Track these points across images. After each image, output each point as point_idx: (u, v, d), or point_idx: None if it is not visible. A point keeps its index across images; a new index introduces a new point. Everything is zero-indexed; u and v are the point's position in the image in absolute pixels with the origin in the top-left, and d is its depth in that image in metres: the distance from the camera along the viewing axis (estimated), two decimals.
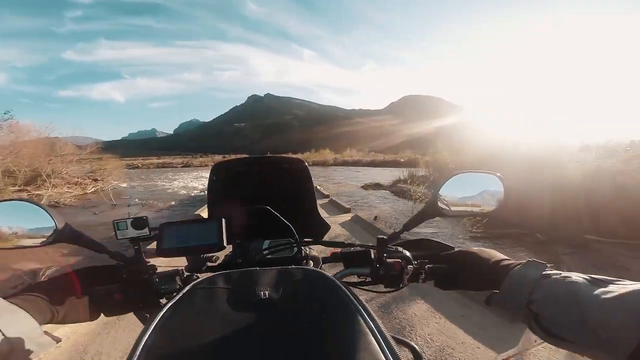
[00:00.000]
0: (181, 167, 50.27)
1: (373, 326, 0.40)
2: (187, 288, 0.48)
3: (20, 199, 0.63)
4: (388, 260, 0.66)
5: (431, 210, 0.66)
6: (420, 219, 0.68)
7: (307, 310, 0.44)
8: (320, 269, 0.77)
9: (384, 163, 33.36)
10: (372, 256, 0.70)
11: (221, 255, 0.81)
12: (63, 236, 0.62)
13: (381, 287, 0.70)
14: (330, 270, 0.58)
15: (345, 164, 38.12)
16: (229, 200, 1.05)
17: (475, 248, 0.62)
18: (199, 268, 0.77)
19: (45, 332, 0.50)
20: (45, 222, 0.61)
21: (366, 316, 0.42)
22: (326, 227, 1.11)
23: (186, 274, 0.71)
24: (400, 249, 0.68)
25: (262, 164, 1.18)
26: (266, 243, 0.91)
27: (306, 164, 1.10)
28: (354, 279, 0.73)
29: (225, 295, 0.47)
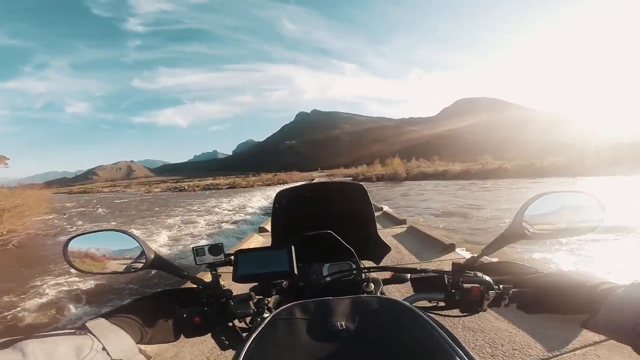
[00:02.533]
0: (227, 188, 53.57)
1: (464, 355, 0.38)
2: (268, 319, 0.49)
3: (118, 230, 0.69)
4: (465, 285, 0.64)
5: (514, 233, 0.63)
6: (502, 243, 0.65)
7: (386, 340, 0.43)
8: (380, 291, 0.85)
9: (481, 174, 26.77)
10: (446, 281, 0.69)
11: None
12: (153, 263, 0.68)
13: (456, 312, 0.68)
14: (392, 292, 0.53)
15: (421, 177, 31.68)
16: (292, 226, 1.08)
17: (568, 270, 0.60)
18: (269, 292, 0.79)
19: (140, 351, 0.54)
20: (137, 251, 0.67)
21: (455, 346, 0.40)
22: (387, 249, 1.13)
23: (256, 298, 0.73)
24: (479, 274, 0.66)
25: (322, 189, 1.24)
26: (326, 267, 0.93)
27: (364, 186, 1.15)
28: (423, 303, 0.72)
29: (304, 326, 0.47)
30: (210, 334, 0.71)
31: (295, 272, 0.75)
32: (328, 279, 0.85)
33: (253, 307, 0.70)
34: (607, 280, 0.53)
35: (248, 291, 0.75)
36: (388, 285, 0.90)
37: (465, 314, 0.66)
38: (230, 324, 0.70)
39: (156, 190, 68.07)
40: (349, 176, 65.11)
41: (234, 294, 0.73)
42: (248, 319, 0.71)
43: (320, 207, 1.16)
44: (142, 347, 0.55)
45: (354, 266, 0.90)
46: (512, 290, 0.62)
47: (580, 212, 0.64)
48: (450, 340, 0.40)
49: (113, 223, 16.89)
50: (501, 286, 0.62)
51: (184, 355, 2.57)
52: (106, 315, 0.55)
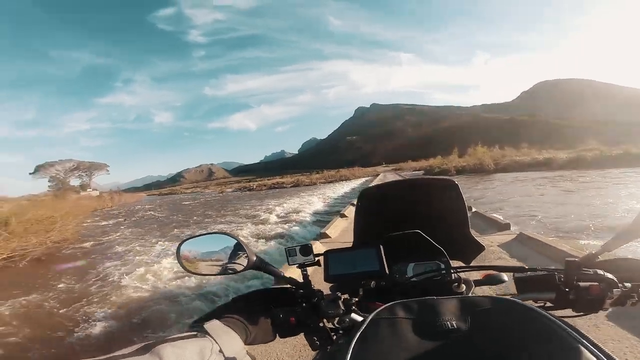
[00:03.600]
0: (290, 186, 54.45)
1: (604, 358, 0.35)
2: (369, 318, 0.48)
3: (223, 232, 0.72)
4: (581, 284, 0.61)
5: None
6: (626, 238, 0.61)
7: (506, 340, 0.41)
8: (472, 293, 0.82)
9: (596, 162, 20.39)
10: (557, 280, 0.65)
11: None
12: (254, 265, 0.70)
13: (568, 312, 0.65)
14: (485, 294, 0.55)
15: (514, 168, 25.63)
16: (376, 225, 1.05)
17: None
18: (356, 292, 0.78)
19: (247, 352, 0.55)
20: (241, 252, 0.70)
21: (593, 348, 0.36)
22: (480, 248, 1.07)
23: (343, 297, 0.72)
24: (600, 271, 0.61)
25: (409, 186, 1.20)
26: (410, 266, 0.91)
27: (456, 182, 1.08)
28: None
29: (408, 325, 0.46)
30: (303, 334, 0.71)
31: (387, 271, 0.75)
32: (414, 279, 0.83)
33: (342, 308, 0.69)
34: None
35: (329, 291, 0.75)
36: (482, 287, 0.86)
37: (581, 313, 0.62)
38: (321, 324, 0.70)
39: (228, 190, 72.84)
40: (419, 170, 59.99)
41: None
42: (335, 320, 0.70)
43: (406, 205, 1.11)
44: (247, 347, 0.56)
45: (442, 266, 0.88)
46: None
47: None
48: (587, 344, 0.37)
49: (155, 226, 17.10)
50: (628, 284, 0.58)
51: (276, 354, 2.45)
52: (217, 316, 0.57)
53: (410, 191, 1.17)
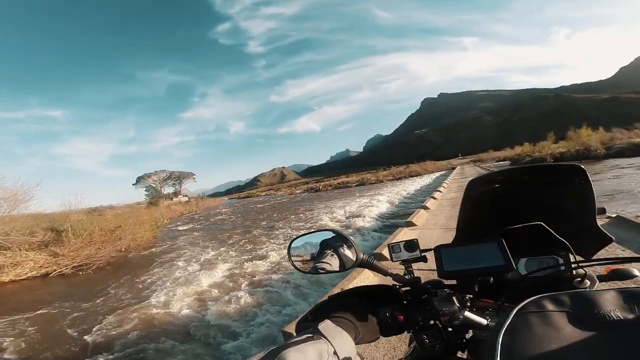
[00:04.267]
0: (356, 185, 52.76)
1: None
2: (513, 312, 0.44)
3: (331, 229, 0.73)
4: None
5: None
6: None
7: None
8: (595, 288, 0.75)
9: None
10: None
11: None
12: (362, 263, 0.70)
13: None
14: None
15: (633, 152, 20.95)
16: (489, 217, 0.99)
17: None
18: (472, 288, 0.73)
19: (357, 353, 0.54)
20: (348, 250, 0.70)
21: None
22: (606, 241, 0.99)
23: (458, 295, 0.68)
24: None
25: (525, 173, 1.08)
26: (522, 262, 0.86)
27: (583, 168, 0.98)
28: None
29: (563, 318, 0.43)
30: (410, 332, 0.69)
31: (514, 266, 0.70)
32: (539, 273, 0.76)
33: (457, 304, 0.65)
34: None
35: (434, 285, 0.72)
36: (605, 283, 0.79)
37: None
38: (432, 322, 0.66)
39: (297, 191, 74.63)
40: (503, 160, 52.49)
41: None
42: (446, 318, 0.66)
43: (523, 195, 1.05)
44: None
45: (561, 261, 0.83)
46: None
47: None
48: None
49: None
50: None
51: (378, 352, 2.41)
52: (326, 315, 0.57)
53: (527, 179, 1.05)
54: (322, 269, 0.70)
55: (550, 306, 0.45)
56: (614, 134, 30.96)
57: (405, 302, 0.69)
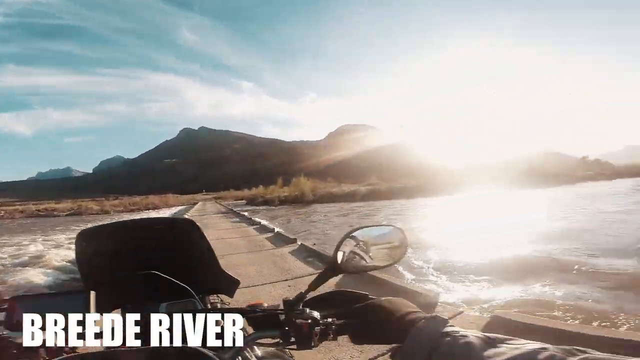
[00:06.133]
0: (66, 215, 39.35)
1: None
2: None
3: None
4: (297, 321, 0.62)
5: (332, 269, 0.66)
6: (323, 278, 0.67)
7: None
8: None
9: (391, 193, 26.82)
10: (279, 319, 0.67)
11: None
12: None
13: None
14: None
15: (329, 199, 29.70)
16: (108, 268, 1.00)
17: (385, 298, 0.60)
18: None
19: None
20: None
21: None
22: (235, 283, 1.09)
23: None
24: (307, 310, 0.64)
25: (142, 228, 1.18)
26: (162, 307, 0.89)
27: (194, 221, 1.14)
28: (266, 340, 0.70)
29: None
30: None
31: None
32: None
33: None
34: (417, 310, 0.55)
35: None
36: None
37: (302, 348, 0.64)
38: None
39: None
40: (242, 199, 56.78)
41: None
42: None
43: (144, 246, 1.07)
44: None
45: (199, 306, 0.88)
46: (336, 323, 0.61)
47: (389, 245, 0.71)
48: None
49: None
50: (325, 320, 0.62)
51: None
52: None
53: (142, 232, 1.14)
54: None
55: None
56: (316, 184, 43.11)
57: None
